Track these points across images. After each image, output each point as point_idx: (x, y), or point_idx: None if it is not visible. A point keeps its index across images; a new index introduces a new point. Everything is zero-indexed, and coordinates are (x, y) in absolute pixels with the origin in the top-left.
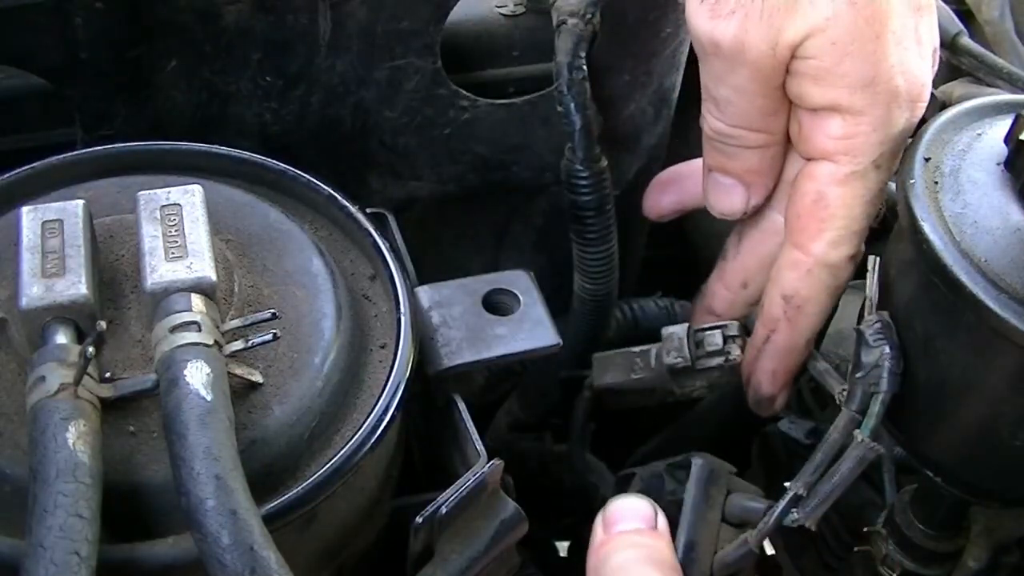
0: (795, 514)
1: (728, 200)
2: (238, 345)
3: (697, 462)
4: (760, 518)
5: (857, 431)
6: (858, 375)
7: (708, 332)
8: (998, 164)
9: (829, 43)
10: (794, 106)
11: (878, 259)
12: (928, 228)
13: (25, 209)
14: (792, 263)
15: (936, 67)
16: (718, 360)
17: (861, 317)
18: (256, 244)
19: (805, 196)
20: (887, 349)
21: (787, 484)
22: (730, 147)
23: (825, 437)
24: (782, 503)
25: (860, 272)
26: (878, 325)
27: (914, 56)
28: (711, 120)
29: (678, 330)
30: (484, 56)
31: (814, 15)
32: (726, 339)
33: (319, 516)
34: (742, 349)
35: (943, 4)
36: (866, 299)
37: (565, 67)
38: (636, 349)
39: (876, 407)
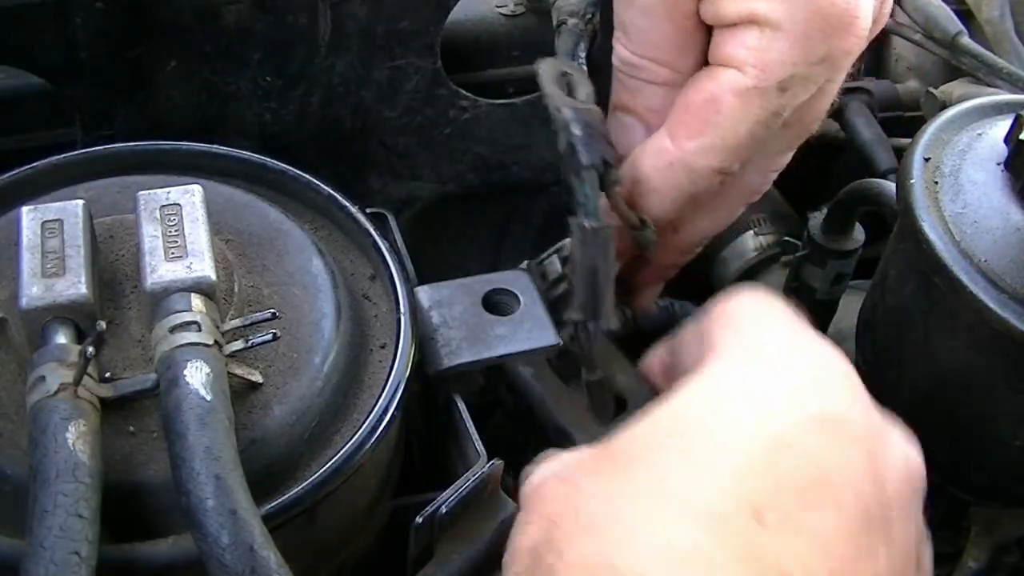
0: (590, 326)
1: (627, 141)
2: (238, 345)
3: (522, 372)
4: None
5: (573, 220)
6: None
7: (546, 261)
8: (998, 164)
9: None
10: (714, 30)
11: None
12: (928, 228)
13: (25, 209)
14: (656, 150)
15: (882, 4)
16: (564, 286)
17: (861, 317)
18: (256, 244)
19: (700, 93)
20: (573, 126)
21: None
22: (634, 80)
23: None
24: (569, 327)
25: (860, 272)
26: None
27: None
28: (618, 49)
29: (520, 270)
30: (484, 56)
31: None
32: (563, 261)
33: (319, 516)
34: None
35: (943, 4)
36: None
37: None
38: None
39: (587, 189)
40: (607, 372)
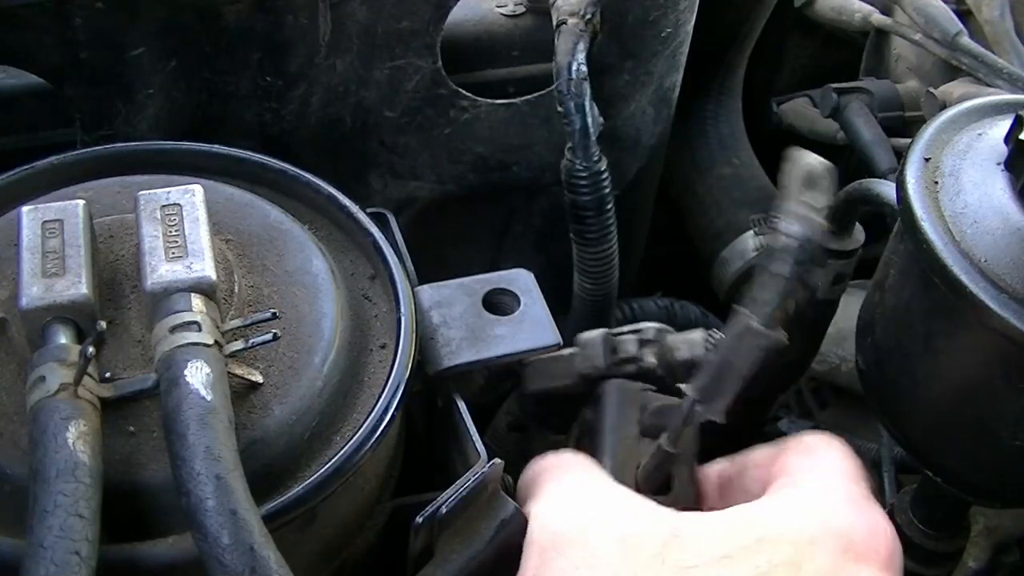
0: (699, 408)
1: None
2: (238, 345)
3: (608, 387)
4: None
5: (745, 312)
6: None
7: (623, 338)
8: (998, 164)
9: None
10: None
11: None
12: (928, 228)
13: (25, 209)
14: None
15: None
16: (630, 368)
17: (861, 317)
18: (256, 244)
19: None
20: (796, 237)
21: (681, 386)
22: None
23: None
24: (685, 401)
25: (860, 272)
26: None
27: None
28: None
29: (595, 336)
30: (484, 56)
31: None
32: (641, 343)
33: (319, 516)
34: (656, 355)
35: (943, 4)
36: None
37: (565, 67)
38: (565, 352)
39: (771, 294)
40: (679, 454)
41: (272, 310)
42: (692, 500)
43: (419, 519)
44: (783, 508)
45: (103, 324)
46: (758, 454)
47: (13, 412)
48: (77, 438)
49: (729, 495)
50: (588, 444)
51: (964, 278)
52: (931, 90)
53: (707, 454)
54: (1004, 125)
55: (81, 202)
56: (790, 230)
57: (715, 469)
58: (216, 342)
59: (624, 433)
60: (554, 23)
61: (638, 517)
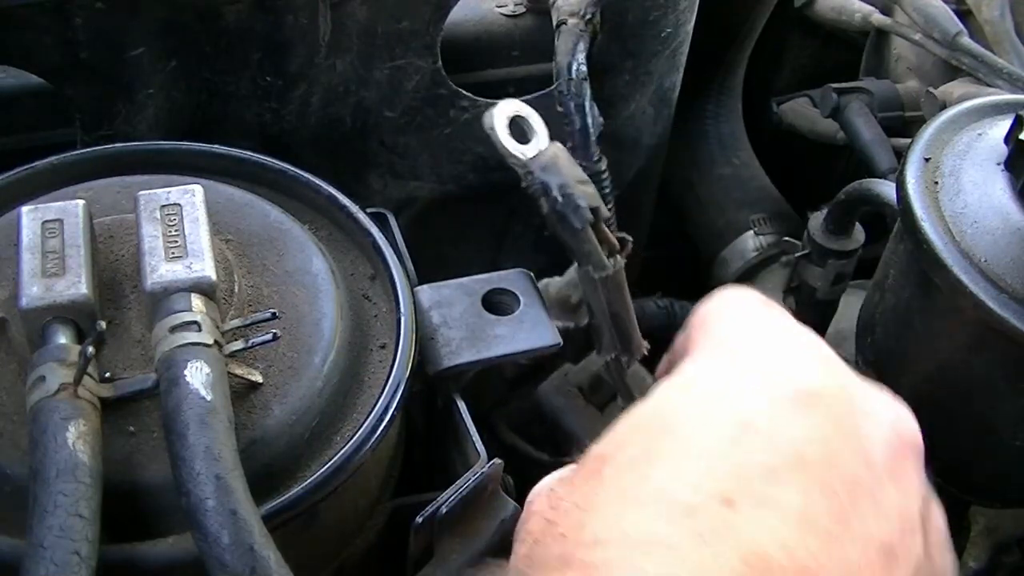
0: (624, 359)
1: None
2: (238, 345)
3: (542, 395)
4: None
5: (579, 272)
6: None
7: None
8: (998, 164)
9: None
10: None
11: None
12: (928, 228)
13: (25, 209)
14: None
15: None
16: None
17: (861, 317)
18: (256, 244)
19: None
20: (552, 189)
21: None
22: None
23: None
24: (608, 365)
25: (861, 272)
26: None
27: None
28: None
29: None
30: (484, 56)
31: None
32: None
33: (319, 516)
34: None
35: (943, 4)
36: None
37: (565, 67)
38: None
39: (581, 243)
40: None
41: (272, 310)
42: None
43: (419, 519)
44: (670, 394)
45: (103, 324)
46: (677, 339)
47: (13, 412)
48: (77, 438)
49: None
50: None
51: (964, 278)
52: (931, 90)
53: None
54: (1004, 125)
55: (81, 202)
56: (545, 184)
57: (660, 371)
58: (216, 342)
59: (584, 418)
60: (554, 23)
61: None
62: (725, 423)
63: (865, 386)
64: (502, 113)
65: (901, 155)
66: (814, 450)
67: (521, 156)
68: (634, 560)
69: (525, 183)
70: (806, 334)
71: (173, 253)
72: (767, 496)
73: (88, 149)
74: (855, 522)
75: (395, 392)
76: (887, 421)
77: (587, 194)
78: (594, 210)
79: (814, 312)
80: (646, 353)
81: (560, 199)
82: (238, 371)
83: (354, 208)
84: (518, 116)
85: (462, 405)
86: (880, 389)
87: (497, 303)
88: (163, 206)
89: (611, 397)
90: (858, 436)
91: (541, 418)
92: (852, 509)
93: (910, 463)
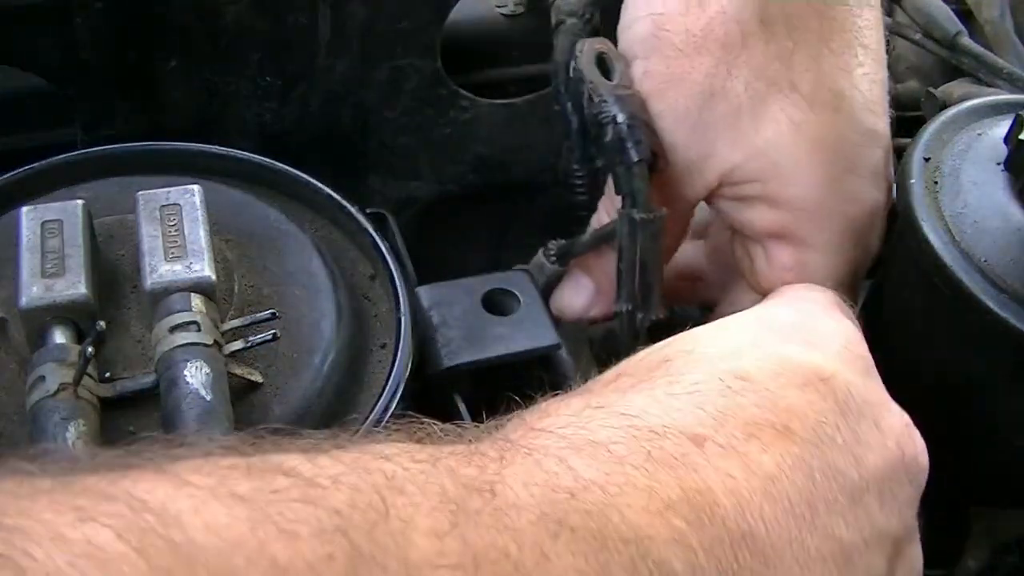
0: (639, 316)
1: (573, 298)
2: (238, 345)
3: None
4: None
5: (620, 211)
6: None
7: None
8: (998, 164)
9: (771, 165)
10: (736, 233)
11: None
12: (928, 228)
13: (25, 209)
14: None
15: (890, 200)
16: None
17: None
18: (256, 244)
19: None
20: (620, 117)
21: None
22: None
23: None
24: (622, 317)
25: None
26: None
27: (866, 185)
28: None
29: None
30: (484, 56)
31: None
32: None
33: None
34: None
35: (943, 4)
36: None
37: (562, 67)
38: None
39: (635, 182)
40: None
41: (272, 310)
42: None
43: None
44: (684, 339)
45: (103, 324)
46: None
47: (13, 412)
48: (77, 438)
49: None
50: None
51: (964, 278)
52: (931, 90)
53: None
54: (1004, 125)
55: (81, 202)
56: (614, 114)
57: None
58: (216, 342)
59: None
60: (552, 22)
61: None
62: (726, 372)
63: (888, 401)
64: (591, 47)
65: (901, 155)
66: (805, 426)
67: (602, 85)
68: (563, 453)
69: (597, 110)
70: (856, 335)
71: (173, 253)
72: (740, 449)
73: (88, 149)
74: (822, 512)
75: (395, 392)
76: (893, 436)
77: (655, 141)
78: (654, 154)
79: None
80: (663, 316)
81: (626, 128)
82: (238, 371)
83: (354, 208)
84: (604, 54)
85: (462, 405)
86: (903, 413)
87: (497, 303)
88: (163, 206)
89: (616, 355)
90: (857, 436)
91: None
92: (824, 499)
93: (904, 488)
